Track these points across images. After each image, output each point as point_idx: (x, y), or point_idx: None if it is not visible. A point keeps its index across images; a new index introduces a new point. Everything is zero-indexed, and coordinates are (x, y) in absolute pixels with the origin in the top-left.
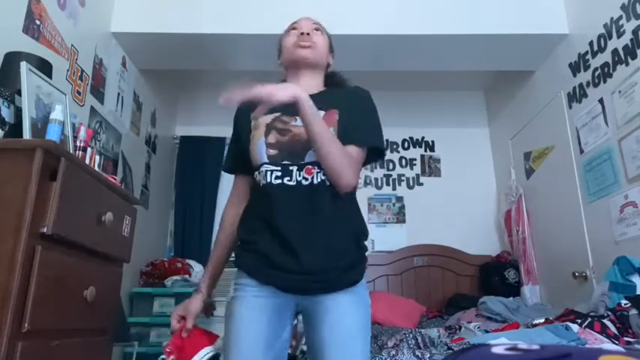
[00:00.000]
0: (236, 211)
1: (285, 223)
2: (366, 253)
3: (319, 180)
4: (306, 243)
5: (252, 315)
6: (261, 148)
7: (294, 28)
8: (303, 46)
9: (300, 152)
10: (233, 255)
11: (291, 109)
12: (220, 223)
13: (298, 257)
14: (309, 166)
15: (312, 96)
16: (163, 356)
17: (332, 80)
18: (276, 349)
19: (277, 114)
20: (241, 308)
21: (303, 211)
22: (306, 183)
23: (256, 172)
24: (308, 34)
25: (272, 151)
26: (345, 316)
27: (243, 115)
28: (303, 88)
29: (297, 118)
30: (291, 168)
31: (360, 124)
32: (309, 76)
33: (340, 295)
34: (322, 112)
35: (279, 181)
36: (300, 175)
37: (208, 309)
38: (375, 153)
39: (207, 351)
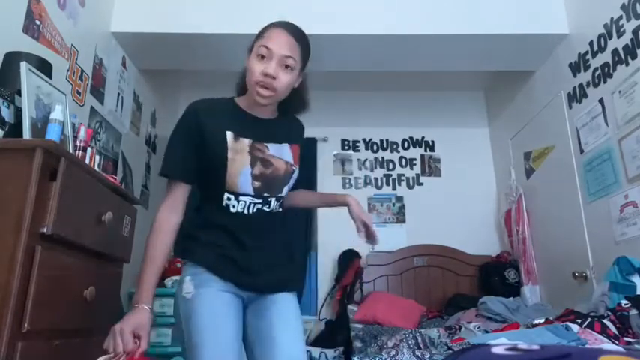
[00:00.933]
0: (176, 219)
1: (252, 241)
2: (366, 254)
3: (278, 209)
4: (265, 258)
5: (224, 309)
6: (245, 178)
7: (266, 48)
8: (262, 95)
9: (279, 187)
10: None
11: (260, 135)
12: (158, 229)
13: (263, 264)
14: (283, 198)
15: (272, 123)
16: None
17: (286, 107)
18: (240, 340)
19: (251, 141)
20: (212, 302)
21: (268, 231)
22: (277, 211)
23: (230, 197)
24: (274, 77)
25: (257, 184)
26: (290, 304)
27: (213, 124)
28: (261, 114)
29: (267, 146)
30: (270, 199)
31: (305, 175)
32: (267, 107)
33: (283, 294)
34: (287, 145)
35: (257, 210)
36: (276, 205)
37: None
38: None
39: None
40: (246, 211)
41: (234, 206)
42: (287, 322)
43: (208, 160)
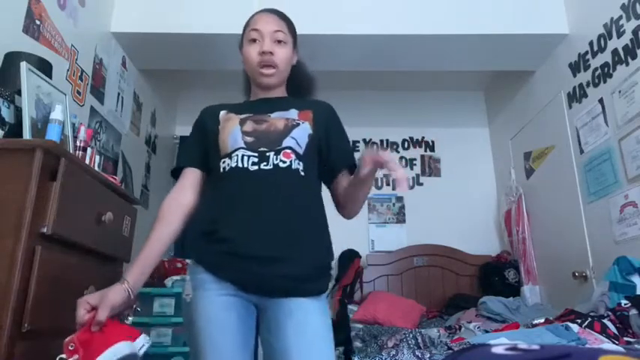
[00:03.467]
0: (182, 201)
1: (254, 205)
2: (366, 254)
3: (295, 167)
4: (274, 234)
5: (222, 315)
6: (235, 135)
7: (254, 30)
8: (266, 74)
9: (278, 139)
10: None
11: (263, 108)
12: (161, 213)
13: (264, 242)
14: (287, 150)
15: (280, 98)
16: (63, 356)
17: (295, 90)
18: (251, 345)
19: (249, 114)
20: (208, 308)
21: (272, 199)
22: (284, 165)
23: (225, 159)
24: (271, 52)
25: (248, 138)
26: (312, 317)
27: (209, 113)
28: (273, 96)
29: (270, 114)
30: (267, 154)
31: (344, 146)
32: (275, 91)
33: (301, 301)
34: (295, 111)
35: (255, 167)
36: (277, 159)
37: (131, 306)
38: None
39: (119, 348)
40: (240, 164)
41: (228, 164)
42: (309, 346)
43: (208, 145)
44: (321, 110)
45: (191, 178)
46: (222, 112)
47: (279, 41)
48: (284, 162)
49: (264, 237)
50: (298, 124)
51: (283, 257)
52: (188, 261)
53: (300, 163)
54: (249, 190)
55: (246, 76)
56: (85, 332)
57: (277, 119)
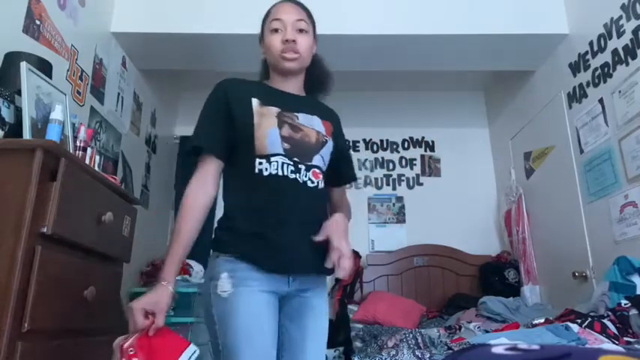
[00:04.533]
0: (207, 195)
1: (291, 218)
2: (366, 254)
3: (321, 186)
4: (303, 236)
5: (264, 311)
6: (274, 138)
7: (277, 20)
8: (289, 59)
9: (310, 154)
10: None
11: (289, 105)
12: (188, 205)
13: (299, 247)
14: (316, 170)
15: (301, 97)
16: (122, 359)
17: (311, 83)
18: (276, 341)
19: (279, 109)
20: (251, 303)
21: (304, 210)
22: (312, 185)
23: (262, 161)
24: (294, 40)
25: (286, 145)
26: (324, 317)
27: (237, 95)
28: (290, 91)
29: (297, 115)
30: (300, 166)
31: (348, 160)
32: (294, 80)
33: (321, 300)
34: (318, 120)
35: (293, 175)
36: (306, 176)
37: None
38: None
39: (193, 350)
40: (280, 172)
41: (266, 169)
42: (319, 337)
43: (237, 131)
44: (335, 122)
45: (214, 168)
46: (255, 102)
47: (301, 30)
48: (312, 182)
49: (298, 236)
50: (326, 142)
51: (311, 247)
52: (223, 257)
53: (322, 181)
54: (290, 199)
55: (265, 66)
56: (143, 338)
57: (310, 130)
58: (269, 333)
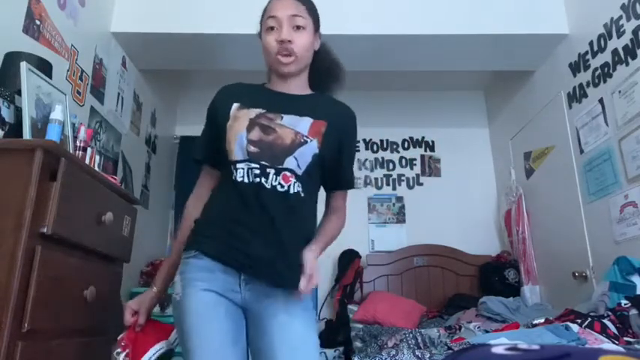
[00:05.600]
0: (204, 201)
1: (250, 224)
2: (366, 254)
3: (295, 190)
4: (267, 240)
5: (210, 309)
6: (241, 143)
7: (272, 17)
8: (284, 63)
9: (280, 156)
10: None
11: (277, 106)
12: (185, 217)
13: (255, 249)
14: (287, 173)
15: (299, 97)
16: (118, 349)
17: (319, 79)
18: (242, 342)
19: (262, 110)
20: (198, 303)
21: (271, 217)
22: (282, 190)
23: (232, 166)
24: (289, 40)
25: (253, 149)
26: (295, 319)
27: (222, 101)
28: (291, 91)
29: (282, 116)
30: (268, 170)
31: (347, 166)
32: (296, 80)
33: (287, 308)
34: (309, 119)
35: (257, 179)
36: (275, 180)
37: (162, 304)
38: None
39: (158, 347)
40: (246, 179)
41: (235, 176)
42: (294, 348)
43: (218, 138)
44: (338, 123)
45: (209, 176)
46: (235, 106)
47: (298, 27)
48: (282, 186)
49: (262, 249)
50: (305, 142)
51: (261, 258)
52: (184, 258)
53: (300, 185)
54: (253, 207)
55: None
56: (131, 332)
57: (286, 130)
58: (218, 331)
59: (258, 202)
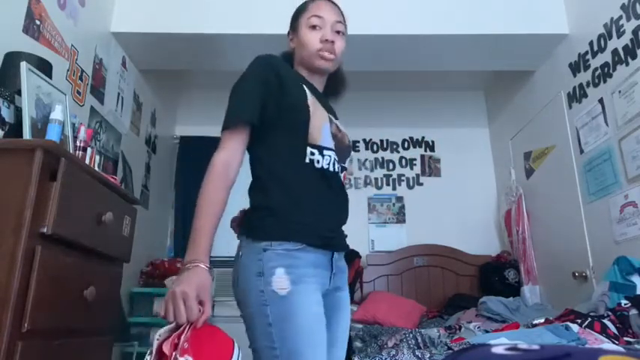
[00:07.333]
0: (236, 170)
1: (337, 215)
2: (366, 254)
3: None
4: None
5: (322, 315)
6: (327, 133)
7: (317, 17)
8: (327, 59)
9: (344, 155)
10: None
11: (324, 103)
12: (219, 174)
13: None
14: (345, 173)
15: (326, 98)
16: (176, 354)
17: (331, 85)
18: None
19: (324, 109)
20: (312, 303)
21: (342, 210)
22: (342, 186)
23: (314, 151)
24: (332, 41)
25: (334, 142)
26: (348, 314)
27: (291, 79)
28: (320, 89)
29: (331, 116)
30: (338, 166)
31: None
32: (320, 79)
33: (348, 299)
34: (340, 125)
35: (337, 170)
36: (340, 176)
37: None
38: None
39: (238, 351)
40: (331, 168)
41: (318, 161)
42: (344, 339)
43: (286, 111)
44: None
45: (246, 137)
46: (308, 93)
47: (339, 32)
48: (343, 184)
49: (337, 233)
50: (352, 147)
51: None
52: (273, 249)
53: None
54: (337, 197)
55: (288, 57)
56: (193, 330)
57: (344, 133)
58: (325, 334)
59: (339, 194)
